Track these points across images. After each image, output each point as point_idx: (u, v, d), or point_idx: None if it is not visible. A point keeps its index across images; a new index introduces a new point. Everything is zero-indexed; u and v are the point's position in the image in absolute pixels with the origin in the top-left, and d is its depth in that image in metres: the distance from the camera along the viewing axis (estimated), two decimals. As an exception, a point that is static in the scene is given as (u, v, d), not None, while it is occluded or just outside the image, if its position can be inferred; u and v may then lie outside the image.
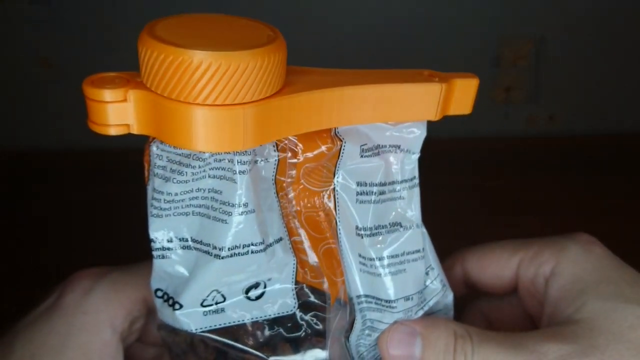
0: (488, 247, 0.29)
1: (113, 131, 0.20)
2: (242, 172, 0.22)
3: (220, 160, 0.22)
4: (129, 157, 0.62)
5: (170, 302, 0.24)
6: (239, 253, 0.23)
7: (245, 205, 0.22)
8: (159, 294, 0.24)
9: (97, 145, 0.65)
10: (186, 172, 0.23)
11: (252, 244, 0.23)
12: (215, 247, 0.23)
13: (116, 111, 0.20)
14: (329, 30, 0.64)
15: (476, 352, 0.23)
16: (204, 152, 0.22)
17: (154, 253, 0.24)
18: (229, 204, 0.22)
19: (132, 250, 0.50)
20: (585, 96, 0.70)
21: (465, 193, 0.57)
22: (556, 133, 0.71)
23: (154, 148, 0.23)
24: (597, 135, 0.71)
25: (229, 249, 0.23)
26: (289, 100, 0.20)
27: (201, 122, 0.19)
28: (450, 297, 0.28)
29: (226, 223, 0.22)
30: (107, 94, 0.20)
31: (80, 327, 0.24)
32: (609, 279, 0.24)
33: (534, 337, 0.23)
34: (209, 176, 0.23)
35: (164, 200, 0.23)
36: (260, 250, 0.23)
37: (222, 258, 0.23)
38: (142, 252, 0.49)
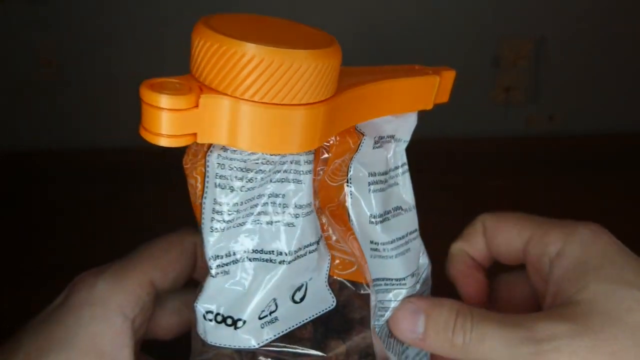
0: (505, 215, 0.30)
1: (182, 142, 0.18)
2: (307, 172, 0.22)
3: (283, 163, 0.22)
4: (129, 158, 0.63)
5: (229, 321, 0.22)
6: (300, 255, 0.23)
7: (309, 205, 0.22)
8: (209, 316, 0.23)
9: (99, 145, 0.65)
10: (255, 179, 0.21)
11: (310, 244, 0.23)
12: (280, 253, 0.22)
13: (186, 119, 0.18)
14: (329, 30, 0.64)
15: (475, 328, 0.24)
16: (288, 154, 0.21)
17: (213, 271, 0.22)
18: (295, 206, 0.22)
19: (132, 249, 0.50)
20: (585, 96, 0.70)
21: (465, 193, 0.57)
22: (556, 133, 0.71)
23: (213, 158, 0.21)
24: (597, 135, 0.71)
25: (294, 252, 0.22)
26: (342, 98, 0.21)
27: (294, 123, 0.18)
28: (429, 269, 0.30)
29: (293, 226, 0.22)
30: (179, 101, 0.17)
31: (89, 318, 0.24)
32: (613, 263, 0.25)
33: (532, 317, 0.24)
34: (271, 180, 0.22)
35: (227, 212, 0.21)
36: (314, 250, 0.23)
37: (289, 263, 0.22)
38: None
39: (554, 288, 0.26)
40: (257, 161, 0.21)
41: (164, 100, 0.17)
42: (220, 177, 0.21)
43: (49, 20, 0.59)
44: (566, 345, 0.22)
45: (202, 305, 0.23)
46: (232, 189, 0.21)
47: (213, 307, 0.23)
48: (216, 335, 0.23)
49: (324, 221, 0.24)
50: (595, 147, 0.68)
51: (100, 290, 0.25)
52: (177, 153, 0.69)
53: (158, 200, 0.55)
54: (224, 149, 0.21)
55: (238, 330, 0.22)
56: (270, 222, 0.22)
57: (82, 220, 0.52)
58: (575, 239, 0.26)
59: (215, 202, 0.21)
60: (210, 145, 0.21)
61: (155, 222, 0.52)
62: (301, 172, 0.22)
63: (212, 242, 0.22)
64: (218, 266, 0.22)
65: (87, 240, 0.50)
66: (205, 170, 0.21)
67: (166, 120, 0.18)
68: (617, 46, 0.68)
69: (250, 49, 0.18)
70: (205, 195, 0.22)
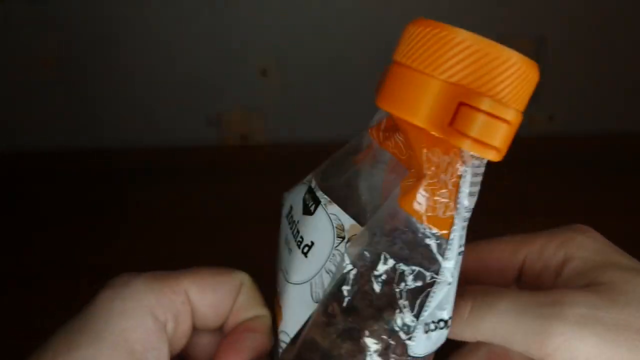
0: (487, 245, 0.28)
1: (501, 156, 0.19)
2: None
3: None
4: (130, 157, 0.63)
5: (442, 324, 0.21)
6: None
7: None
8: (432, 326, 0.21)
9: (99, 145, 0.65)
10: (479, 183, 0.21)
11: None
12: (461, 246, 0.22)
13: (510, 132, 0.19)
14: (329, 30, 0.64)
15: (488, 295, 0.23)
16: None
17: (451, 279, 0.21)
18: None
19: (132, 249, 0.51)
20: (585, 96, 0.70)
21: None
22: (556, 133, 0.71)
23: (469, 167, 0.20)
24: (597, 135, 0.71)
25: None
26: None
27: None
28: None
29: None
30: (519, 116, 0.19)
31: (120, 313, 0.23)
32: (617, 257, 0.24)
33: (556, 290, 0.23)
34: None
35: (467, 219, 0.21)
36: None
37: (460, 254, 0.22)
38: (148, 253, 0.49)
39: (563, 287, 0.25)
40: (482, 165, 0.21)
41: (513, 114, 0.19)
42: (472, 184, 0.21)
43: (49, 20, 0.59)
44: (592, 313, 0.21)
45: (430, 317, 0.21)
46: (473, 194, 0.21)
47: (443, 315, 0.21)
48: (424, 344, 0.21)
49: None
50: (595, 147, 0.68)
51: (134, 288, 0.24)
52: (176, 152, 0.69)
53: (159, 200, 0.55)
54: (473, 156, 0.20)
55: (449, 328, 0.22)
56: (466, 220, 0.21)
57: (82, 220, 0.52)
58: (574, 244, 0.26)
59: (466, 209, 0.21)
60: (461, 154, 0.20)
61: (156, 222, 0.52)
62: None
63: (457, 251, 0.21)
64: (453, 275, 0.21)
65: (87, 241, 0.50)
66: (460, 181, 0.20)
67: (508, 133, 0.19)
68: (617, 46, 0.68)
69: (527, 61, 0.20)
70: (458, 206, 0.21)
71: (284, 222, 0.27)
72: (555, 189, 0.59)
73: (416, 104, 0.20)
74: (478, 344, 0.28)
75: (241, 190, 0.57)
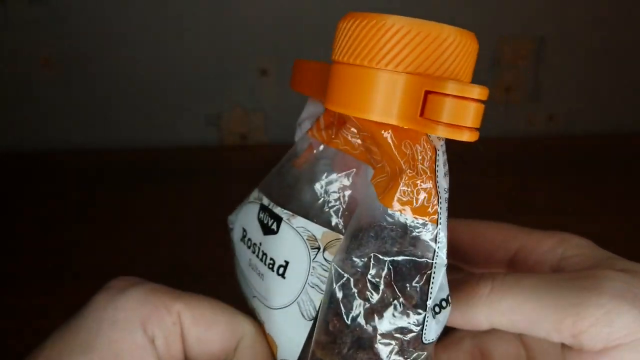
0: (485, 224, 0.28)
1: (475, 136, 0.18)
2: None
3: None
4: (129, 158, 0.63)
5: (444, 303, 0.21)
6: None
7: None
8: (437, 309, 0.21)
9: (99, 146, 0.65)
10: (446, 161, 0.21)
11: None
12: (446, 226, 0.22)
13: (481, 111, 0.18)
14: (329, 30, 0.64)
15: (508, 275, 0.22)
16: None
17: (443, 270, 0.21)
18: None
19: (132, 249, 0.51)
20: (585, 96, 0.70)
21: (464, 193, 0.57)
22: (556, 133, 0.71)
23: (441, 151, 0.21)
24: (597, 135, 0.71)
25: None
26: None
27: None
28: None
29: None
30: (486, 92, 0.18)
31: (111, 323, 0.23)
32: (616, 256, 0.24)
33: (586, 269, 0.22)
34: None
35: (447, 199, 0.21)
36: None
37: None
38: (148, 253, 0.49)
39: None
40: (444, 143, 0.21)
41: (479, 91, 0.18)
42: (443, 164, 0.21)
43: (49, 20, 0.60)
44: (629, 289, 0.20)
45: (434, 302, 0.21)
46: (446, 174, 0.21)
47: (443, 295, 0.21)
48: (435, 328, 0.21)
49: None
50: (595, 147, 0.68)
51: (130, 297, 0.23)
52: (176, 152, 0.68)
53: (159, 200, 0.55)
54: (439, 137, 0.20)
55: (450, 305, 0.21)
56: (447, 200, 0.21)
57: (82, 220, 0.52)
58: (570, 244, 0.25)
59: (445, 191, 0.21)
60: (429, 139, 0.20)
61: (156, 222, 0.52)
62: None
63: (446, 232, 0.21)
64: (442, 264, 0.21)
65: (87, 241, 0.50)
66: (435, 166, 0.20)
67: (478, 111, 0.18)
68: (617, 46, 0.68)
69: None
70: (438, 190, 0.20)
71: (240, 246, 0.26)
72: (555, 189, 0.60)
73: (377, 102, 0.19)
74: (462, 336, 0.27)
75: (241, 190, 0.57)
